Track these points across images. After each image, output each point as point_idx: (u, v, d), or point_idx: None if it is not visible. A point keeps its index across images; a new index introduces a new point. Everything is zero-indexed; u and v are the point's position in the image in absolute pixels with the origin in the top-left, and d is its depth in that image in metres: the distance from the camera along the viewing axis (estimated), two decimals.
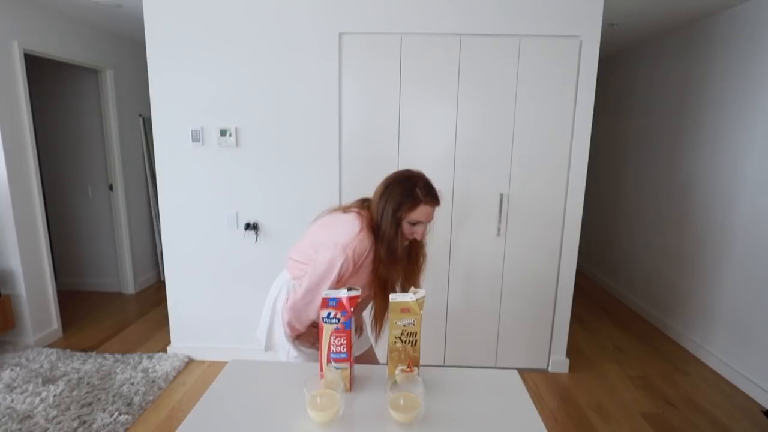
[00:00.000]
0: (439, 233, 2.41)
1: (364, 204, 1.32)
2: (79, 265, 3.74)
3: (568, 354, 2.61)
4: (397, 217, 1.21)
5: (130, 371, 2.44)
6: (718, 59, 2.69)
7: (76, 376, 2.38)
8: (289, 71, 2.35)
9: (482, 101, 2.34)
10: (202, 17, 2.31)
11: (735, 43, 2.57)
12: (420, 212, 1.21)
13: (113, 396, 2.21)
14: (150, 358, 2.61)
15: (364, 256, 1.22)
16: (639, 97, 3.58)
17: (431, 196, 1.23)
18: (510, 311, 2.54)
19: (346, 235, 1.21)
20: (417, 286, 1.33)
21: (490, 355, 2.59)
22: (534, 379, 2.53)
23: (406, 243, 1.27)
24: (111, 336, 2.97)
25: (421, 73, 2.33)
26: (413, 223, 1.23)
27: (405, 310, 0.96)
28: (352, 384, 1.00)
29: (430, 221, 1.24)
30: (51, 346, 2.79)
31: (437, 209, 1.26)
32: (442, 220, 2.41)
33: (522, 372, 2.45)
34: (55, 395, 2.18)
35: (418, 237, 1.24)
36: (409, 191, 1.21)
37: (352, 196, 1.52)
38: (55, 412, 2.05)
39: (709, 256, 2.74)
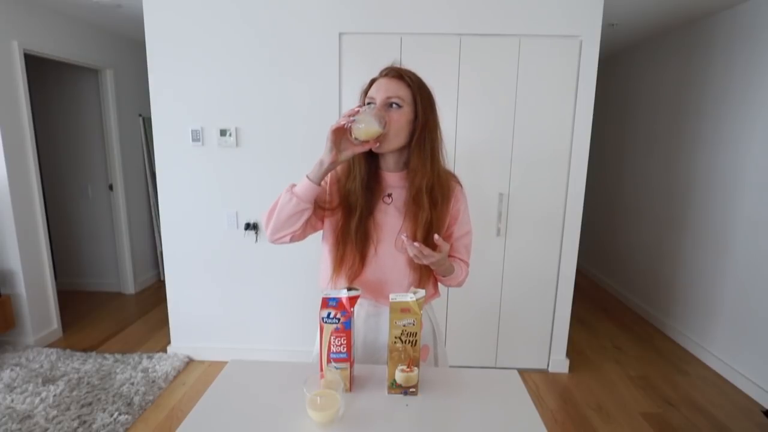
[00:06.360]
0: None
1: None
2: (79, 265, 3.74)
3: (568, 354, 2.61)
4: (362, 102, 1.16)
5: (130, 371, 2.44)
6: (718, 59, 2.69)
7: (76, 376, 2.38)
8: (289, 71, 2.35)
9: (482, 101, 2.34)
10: (202, 17, 2.32)
11: (735, 43, 2.57)
12: (376, 87, 1.13)
13: (113, 396, 2.21)
14: (150, 358, 2.61)
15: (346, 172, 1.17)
16: (639, 97, 3.58)
17: (388, 69, 1.15)
18: (510, 311, 2.54)
19: None
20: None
21: (490, 355, 2.59)
22: (534, 379, 2.53)
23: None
24: (111, 336, 2.97)
25: (420, 73, 2.31)
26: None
27: (405, 310, 0.96)
28: (352, 384, 1.00)
29: (396, 98, 1.12)
30: (51, 346, 2.79)
31: (406, 91, 1.15)
32: None
33: (522, 372, 2.46)
34: (55, 395, 2.18)
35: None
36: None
37: None
38: (55, 412, 2.05)
39: (709, 256, 2.74)
